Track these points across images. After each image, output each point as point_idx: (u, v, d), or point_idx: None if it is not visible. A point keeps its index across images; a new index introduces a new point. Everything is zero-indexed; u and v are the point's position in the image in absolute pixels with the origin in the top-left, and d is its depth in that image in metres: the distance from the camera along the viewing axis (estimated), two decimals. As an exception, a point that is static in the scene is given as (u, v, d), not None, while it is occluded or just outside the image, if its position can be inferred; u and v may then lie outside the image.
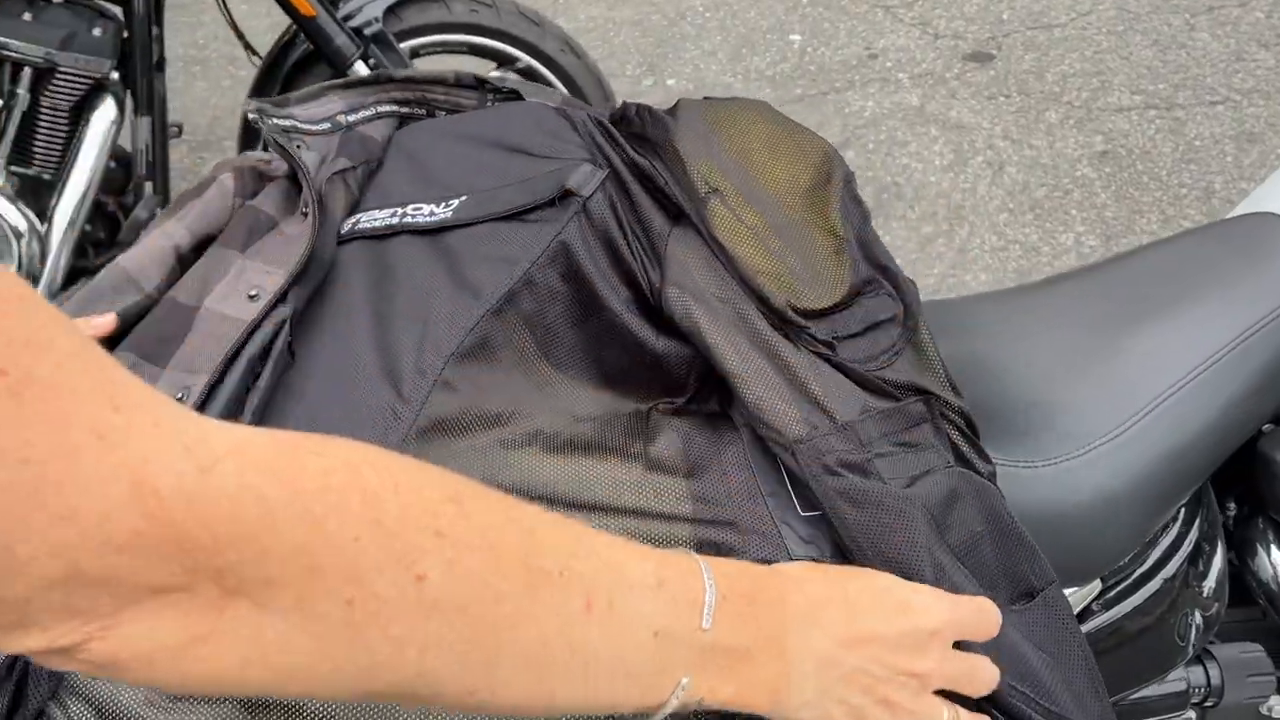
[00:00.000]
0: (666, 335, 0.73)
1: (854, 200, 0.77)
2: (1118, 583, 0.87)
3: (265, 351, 0.66)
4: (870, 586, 0.61)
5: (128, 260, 0.72)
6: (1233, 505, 1.04)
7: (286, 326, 0.67)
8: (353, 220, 0.77)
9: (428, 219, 0.75)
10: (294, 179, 0.78)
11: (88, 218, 1.68)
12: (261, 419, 0.66)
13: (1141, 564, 0.87)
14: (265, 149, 0.81)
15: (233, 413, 0.63)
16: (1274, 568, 0.97)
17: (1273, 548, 0.97)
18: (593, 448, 0.68)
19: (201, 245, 0.75)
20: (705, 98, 0.84)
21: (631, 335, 0.72)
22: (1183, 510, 0.91)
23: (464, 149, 0.80)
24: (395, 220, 0.76)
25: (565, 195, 0.74)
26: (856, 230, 0.75)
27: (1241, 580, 1.02)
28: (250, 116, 0.77)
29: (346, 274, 0.74)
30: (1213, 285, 0.90)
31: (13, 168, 1.63)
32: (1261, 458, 0.92)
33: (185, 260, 0.74)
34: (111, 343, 0.69)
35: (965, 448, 0.69)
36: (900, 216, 2.46)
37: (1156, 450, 0.83)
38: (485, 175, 0.77)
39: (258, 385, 0.65)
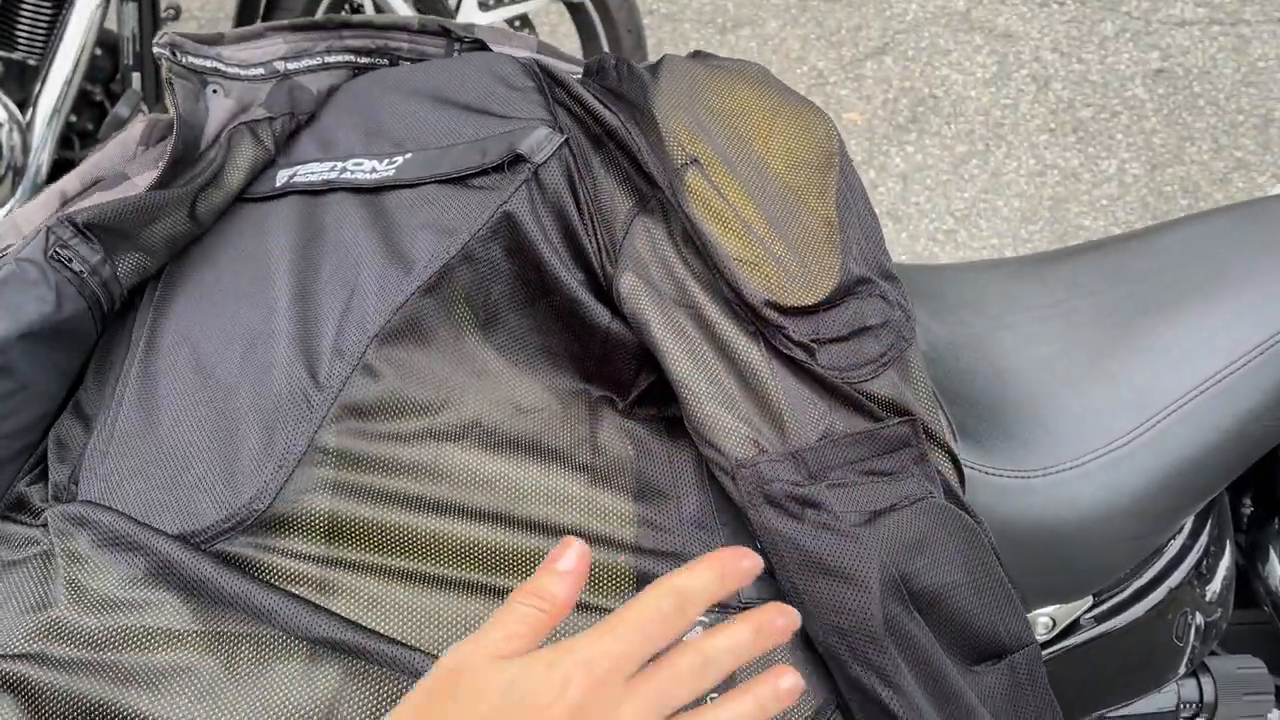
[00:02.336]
0: (621, 319, 0.66)
1: (853, 186, 0.68)
2: (1112, 596, 0.81)
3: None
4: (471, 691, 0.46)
5: (20, 210, 0.68)
6: (1248, 502, 0.97)
7: (41, 234, 0.61)
8: (289, 172, 0.70)
9: (368, 175, 0.68)
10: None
11: (73, 107, 1.60)
12: (137, 385, 0.62)
13: (1139, 577, 0.81)
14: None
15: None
16: (1285, 578, 0.90)
17: (1286, 557, 0.91)
18: (535, 449, 0.62)
19: (89, 189, 0.69)
20: (696, 52, 0.74)
21: (582, 318, 0.65)
22: (1191, 520, 0.84)
23: (416, 102, 0.71)
24: (334, 175, 0.69)
25: (516, 160, 0.66)
26: (858, 220, 0.67)
27: (1248, 583, 0.95)
28: (156, 52, 0.69)
29: (274, 233, 0.67)
30: (1245, 277, 0.80)
31: (-5, 51, 1.55)
32: (1284, 467, 0.85)
33: (71, 204, 0.69)
34: None
35: (955, 482, 0.62)
36: (935, 133, 2.33)
37: (1166, 462, 0.75)
38: (435, 132, 0.69)
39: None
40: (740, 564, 0.49)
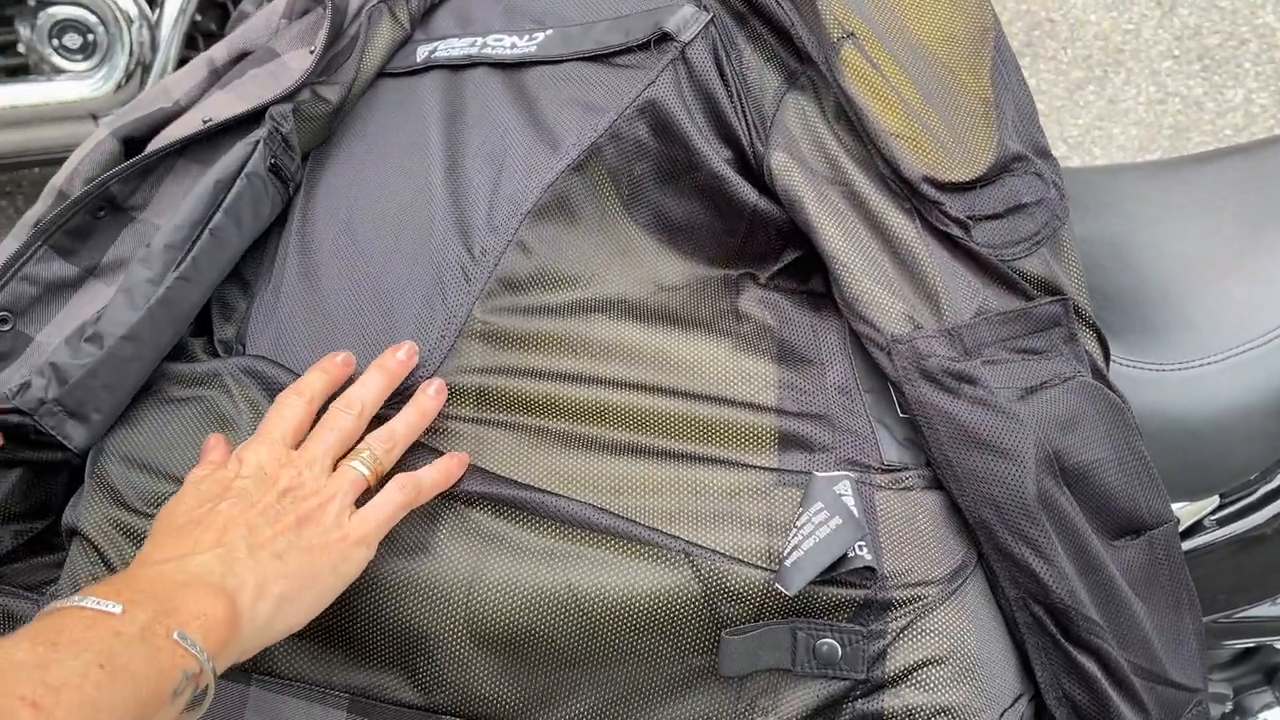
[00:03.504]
0: (768, 196, 0.66)
1: (1007, 61, 0.67)
2: (1239, 499, 0.80)
3: (233, 176, 0.64)
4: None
5: (170, 76, 0.72)
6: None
7: (260, 148, 0.64)
8: (429, 47, 0.72)
9: (508, 51, 0.69)
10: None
11: (199, 6, 1.64)
12: (285, 246, 0.67)
13: (1268, 481, 0.80)
14: None
15: (190, 235, 0.62)
16: None
17: None
18: (677, 320, 0.63)
19: (237, 60, 0.73)
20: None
21: (728, 196, 0.66)
22: (1325, 427, 0.82)
23: None
24: (474, 50, 0.70)
25: (662, 38, 0.66)
26: (1013, 96, 0.66)
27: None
28: None
29: (421, 107, 0.69)
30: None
31: (125, -51, 1.59)
32: None
33: (220, 73, 0.73)
34: (140, 150, 0.69)
35: (1100, 361, 0.62)
36: (1050, 57, 2.26)
37: (1307, 363, 0.74)
38: (574, 8, 0.70)
39: (224, 209, 0.63)
40: (395, 357, 0.59)
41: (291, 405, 0.57)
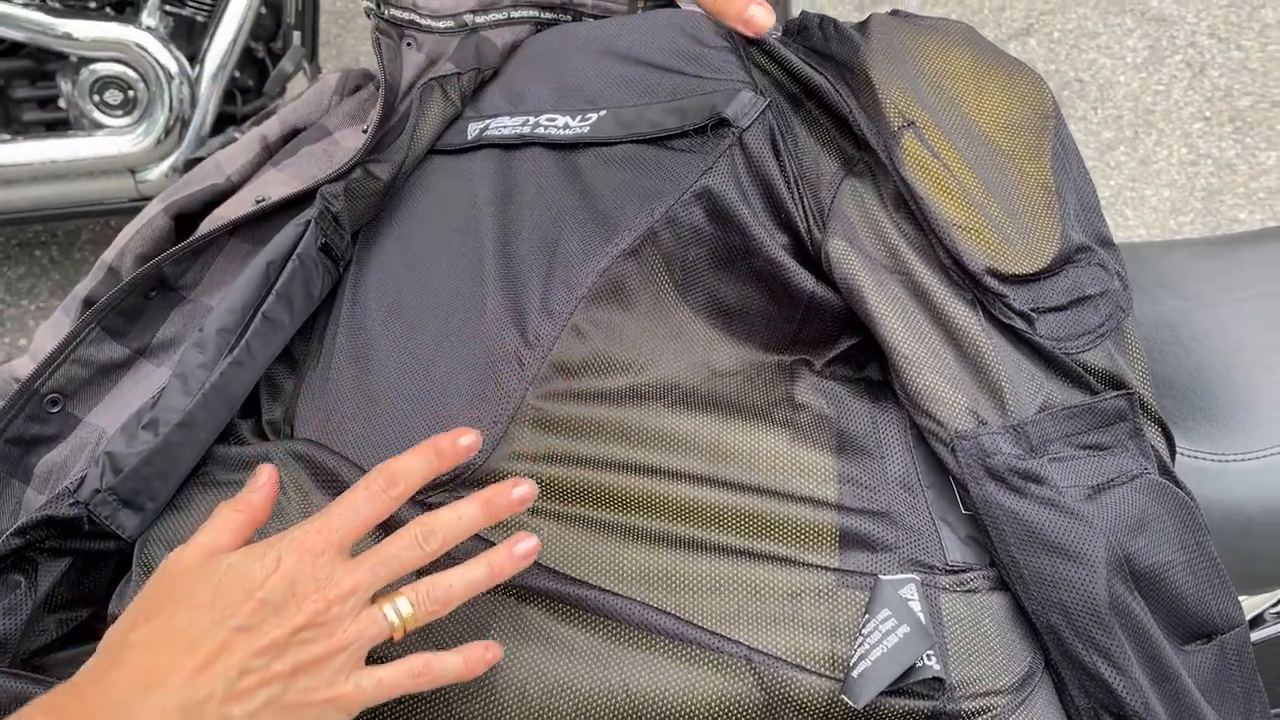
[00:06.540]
0: (825, 283, 0.65)
1: (1068, 149, 0.67)
2: (1299, 591, 0.78)
3: (285, 257, 0.63)
4: (172, 597, 0.50)
5: (222, 151, 0.71)
6: None
7: (311, 228, 0.64)
8: (480, 125, 0.72)
9: (561, 131, 0.68)
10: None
11: (237, 63, 1.66)
12: (333, 328, 0.66)
13: (1331, 574, 0.78)
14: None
15: (245, 317, 0.62)
16: None
17: None
18: (733, 408, 0.62)
19: (290, 137, 0.73)
20: (896, 11, 0.73)
21: (785, 283, 0.65)
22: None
23: (607, 59, 0.72)
24: (527, 129, 0.70)
25: (720, 124, 0.66)
26: (1074, 185, 0.65)
27: None
28: (366, 6, 0.71)
29: (473, 186, 0.68)
30: None
31: (167, 7, 1.61)
32: None
33: (272, 149, 0.73)
34: (190, 230, 0.69)
35: (1167, 457, 0.61)
36: (1081, 118, 2.26)
37: (1371, 456, 0.72)
38: (629, 90, 0.69)
39: (276, 292, 0.62)
40: (458, 443, 0.54)
41: (374, 500, 0.53)
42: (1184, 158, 2.17)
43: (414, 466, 0.54)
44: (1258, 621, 0.78)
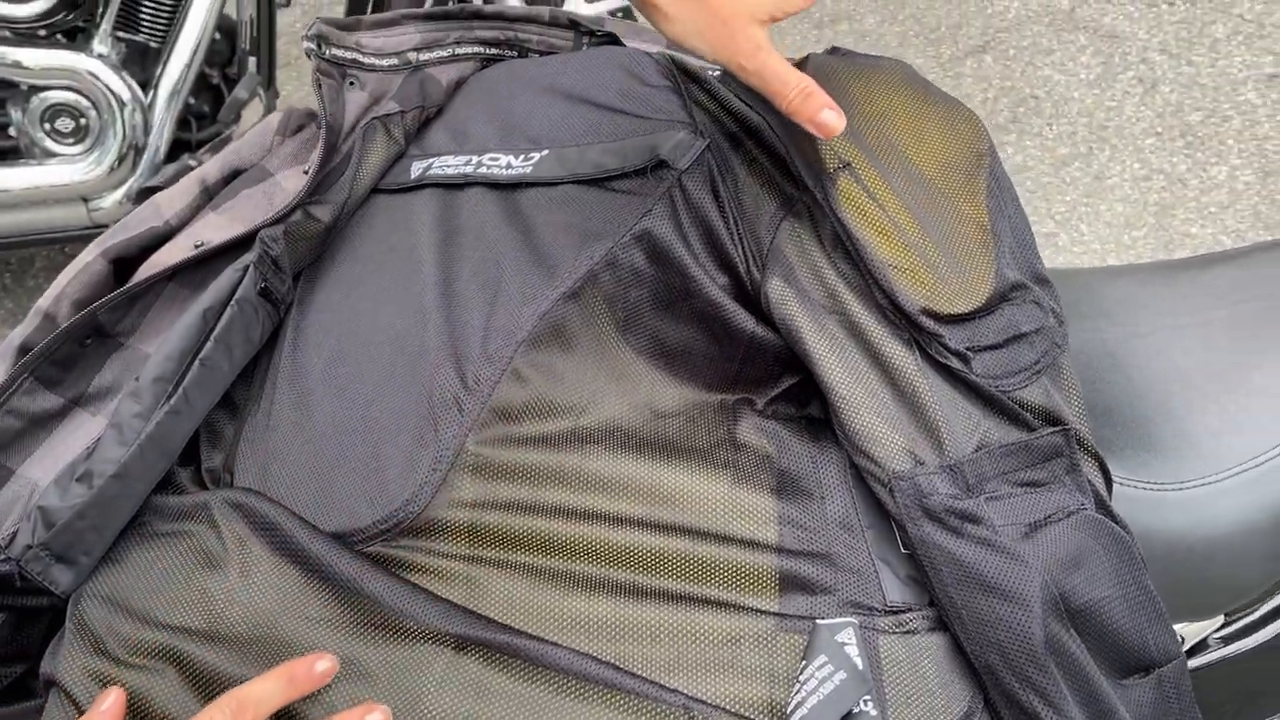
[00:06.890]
0: (766, 323, 0.66)
1: (1003, 186, 0.67)
2: (1243, 616, 0.79)
3: (224, 303, 0.62)
4: None
5: (161, 194, 0.71)
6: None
7: (250, 273, 0.63)
8: (424, 164, 0.72)
9: (505, 171, 0.68)
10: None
11: (192, 89, 1.65)
12: (275, 370, 0.65)
13: (1273, 599, 0.79)
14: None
15: (187, 357, 0.61)
16: None
17: None
18: (674, 451, 0.62)
19: (230, 179, 0.73)
20: (836, 49, 0.74)
21: (725, 323, 0.65)
22: (1327, 542, 0.81)
23: (550, 98, 0.72)
24: (470, 169, 0.69)
25: (659, 165, 0.66)
26: (1009, 223, 0.66)
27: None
28: (306, 46, 0.71)
29: (415, 227, 0.68)
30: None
31: (119, 34, 1.59)
32: None
33: (211, 192, 0.72)
34: (128, 274, 0.69)
35: (1104, 492, 0.61)
36: (1036, 134, 2.28)
37: (1308, 481, 0.73)
38: (571, 130, 0.70)
39: (215, 338, 0.62)
40: (313, 669, 0.54)
41: None
42: (1136, 173, 2.20)
43: (265, 693, 0.54)
44: (1202, 647, 0.79)
